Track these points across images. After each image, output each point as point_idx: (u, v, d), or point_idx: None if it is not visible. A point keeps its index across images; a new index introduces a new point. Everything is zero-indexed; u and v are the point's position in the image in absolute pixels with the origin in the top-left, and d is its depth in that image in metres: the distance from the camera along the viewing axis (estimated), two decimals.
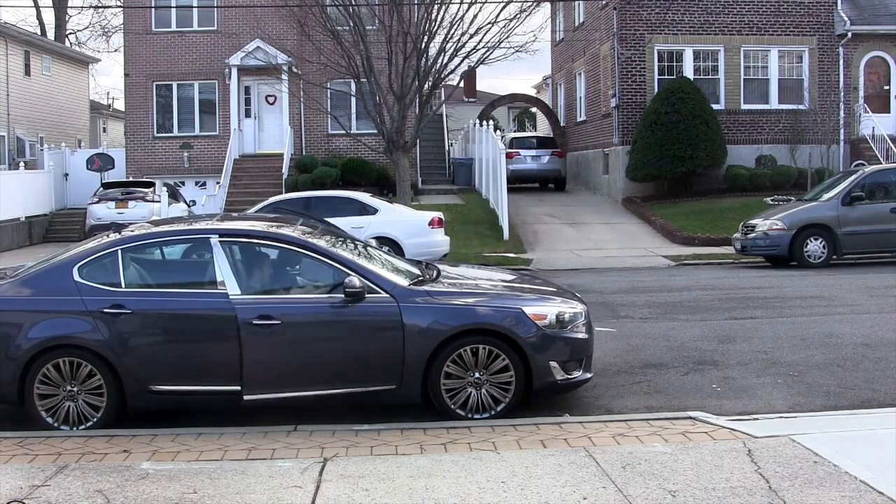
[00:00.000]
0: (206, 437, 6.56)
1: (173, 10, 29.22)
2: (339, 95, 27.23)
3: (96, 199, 24.04)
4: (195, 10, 29.21)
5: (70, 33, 46.84)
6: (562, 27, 34.42)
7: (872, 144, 25.97)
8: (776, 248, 17.08)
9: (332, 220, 16.60)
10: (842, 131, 26.26)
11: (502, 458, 5.88)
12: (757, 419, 6.76)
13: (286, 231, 7.55)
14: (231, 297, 6.99)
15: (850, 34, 26.60)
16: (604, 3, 28.03)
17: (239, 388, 6.96)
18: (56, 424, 6.90)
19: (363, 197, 17.93)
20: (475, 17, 22.35)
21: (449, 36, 22.31)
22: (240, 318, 6.90)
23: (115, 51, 50.63)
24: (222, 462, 5.94)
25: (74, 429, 6.88)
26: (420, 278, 7.62)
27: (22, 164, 30.38)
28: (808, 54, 26.77)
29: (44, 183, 28.99)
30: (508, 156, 27.07)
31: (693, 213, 23.50)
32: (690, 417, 6.76)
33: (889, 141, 25.43)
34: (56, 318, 7.00)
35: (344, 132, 26.14)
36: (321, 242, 7.47)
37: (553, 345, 7.19)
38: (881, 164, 23.38)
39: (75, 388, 6.93)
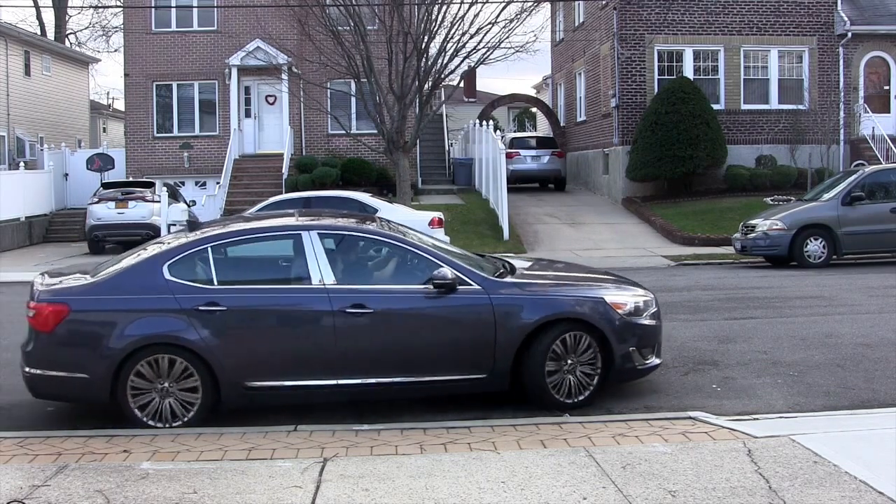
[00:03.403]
0: (206, 437, 6.55)
1: (173, 10, 29.21)
2: (339, 95, 27.23)
3: (96, 199, 24.04)
4: (195, 10, 29.20)
5: (70, 33, 46.85)
6: (562, 27, 34.42)
7: (872, 144, 25.97)
8: (776, 248, 17.08)
9: None
10: (842, 131, 26.25)
11: (502, 458, 5.88)
12: (757, 419, 6.76)
13: (375, 226, 7.91)
14: (326, 288, 7.13)
15: (850, 34, 26.60)
16: (604, 3, 28.03)
17: (334, 381, 7.12)
18: (149, 421, 6.92)
19: (363, 197, 17.91)
20: (476, 17, 22.36)
21: (449, 36, 22.33)
22: (335, 309, 7.04)
23: (115, 51, 50.60)
24: (222, 462, 5.94)
25: (167, 426, 6.90)
26: (501, 271, 7.85)
27: (22, 164, 30.39)
28: (808, 54, 26.77)
29: (44, 183, 28.99)
30: (508, 156, 27.07)
31: (693, 213, 23.50)
32: (690, 417, 6.77)
33: (889, 141, 25.43)
34: (150, 317, 7.00)
35: (344, 132, 26.14)
36: (411, 237, 7.79)
37: (632, 331, 7.52)
38: (881, 164, 23.39)
39: (169, 386, 6.95)
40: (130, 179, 27.14)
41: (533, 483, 5.39)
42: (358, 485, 5.42)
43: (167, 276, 7.10)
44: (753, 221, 17.77)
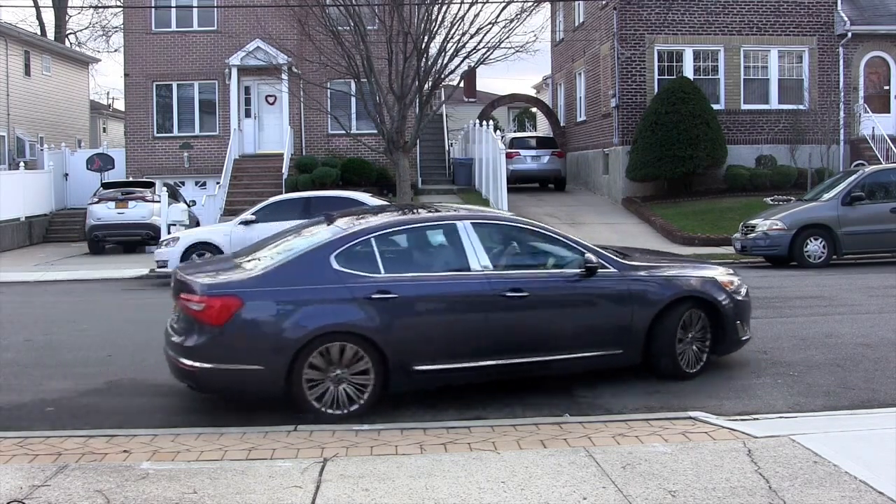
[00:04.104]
0: (206, 437, 6.55)
1: (173, 10, 29.20)
2: (339, 95, 27.21)
3: (96, 199, 24.05)
4: (195, 10, 29.19)
5: (70, 33, 46.84)
6: (562, 27, 34.41)
7: (872, 144, 25.97)
8: (776, 248, 17.08)
9: None
10: (842, 131, 26.25)
11: (502, 458, 5.88)
12: (757, 419, 6.76)
13: (522, 217, 8.56)
14: (486, 274, 7.59)
15: (850, 34, 26.60)
16: (604, 3, 28.03)
17: (492, 361, 7.53)
18: (328, 410, 7.06)
19: (363, 197, 17.93)
20: (476, 17, 22.30)
21: (449, 36, 22.29)
22: (494, 294, 7.49)
23: (115, 51, 50.61)
24: (222, 462, 5.94)
25: (345, 411, 7.07)
26: (623, 255, 8.55)
27: (22, 164, 30.39)
28: (808, 54, 26.77)
29: (44, 183, 29.00)
30: (508, 156, 27.06)
31: (693, 213, 23.50)
32: (690, 417, 6.77)
33: (889, 141, 25.43)
34: (324, 307, 7.17)
35: (344, 132, 26.12)
36: (547, 225, 8.47)
37: (737, 306, 8.46)
38: (881, 164, 23.39)
39: (341, 373, 7.13)
40: (130, 179, 27.14)
41: (533, 483, 5.39)
42: (358, 485, 5.42)
43: (335, 266, 7.32)
44: (753, 221, 17.77)
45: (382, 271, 7.39)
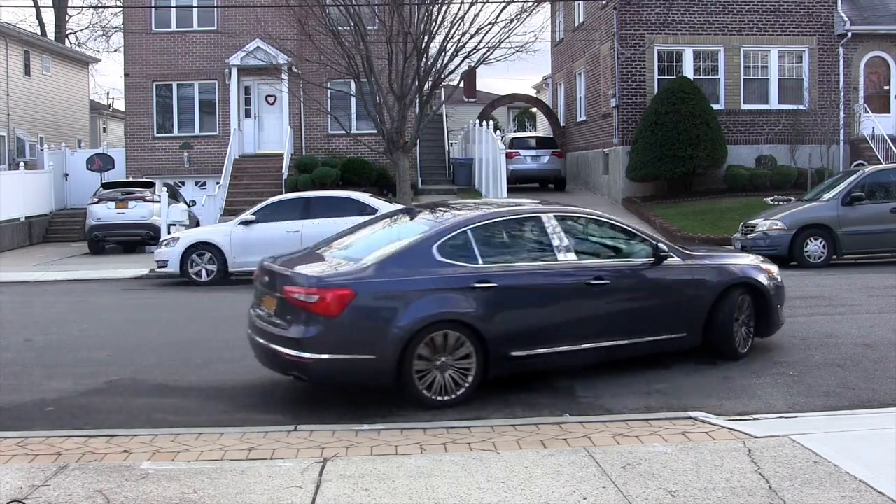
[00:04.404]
0: (206, 436, 6.55)
1: (173, 10, 29.20)
2: (339, 95, 27.21)
3: (96, 199, 24.06)
4: (195, 10, 29.19)
5: (70, 33, 46.83)
6: (562, 27, 34.41)
7: (872, 144, 25.97)
8: (776, 248, 17.06)
9: (332, 221, 16.84)
10: (842, 131, 26.24)
11: (502, 458, 5.88)
12: (757, 419, 6.76)
13: (597, 210, 9.16)
14: (572, 264, 8.09)
15: (850, 34, 26.59)
16: (604, 3, 28.03)
17: (577, 346, 8.02)
18: (433, 397, 7.35)
19: (363, 197, 17.93)
20: (476, 17, 22.31)
21: (449, 36, 22.29)
22: (580, 282, 7.97)
23: (115, 51, 50.58)
24: (222, 462, 5.94)
25: (451, 397, 7.39)
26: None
27: (22, 164, 30.39)
28: (808, 54, 26.77)
29: (44, 183, 29.01)
30: (508, 156, 27.05)
31: (693, 213, 23.49)
32: (690, 417, 6.77)
33: (889, 141, 25.43)
34: (431, 296, 7.43)
35: (344, 132, 26.12)
36: (616, 219, 9.00)
37: (778, 291, 9.33)
38: (881, 164, 23.38)
39: (446, 360, 7.40)
40: (130, 179, 27.15)
41: (533, 483, 5.39)
42: (358, 485, 5.42)
43: (438, 257, 7.61)
44: (753, 221, 17.77)
45: (480, 261, 7.74)
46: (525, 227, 8.41)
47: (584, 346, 8.04)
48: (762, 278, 9.09)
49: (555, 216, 8.33)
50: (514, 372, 7.90)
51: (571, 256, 8.12)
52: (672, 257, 8.56)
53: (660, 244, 8.61)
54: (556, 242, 8.13)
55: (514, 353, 7.67)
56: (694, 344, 8.72)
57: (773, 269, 9.48)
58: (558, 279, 7.97)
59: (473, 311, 7.45)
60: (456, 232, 7.81)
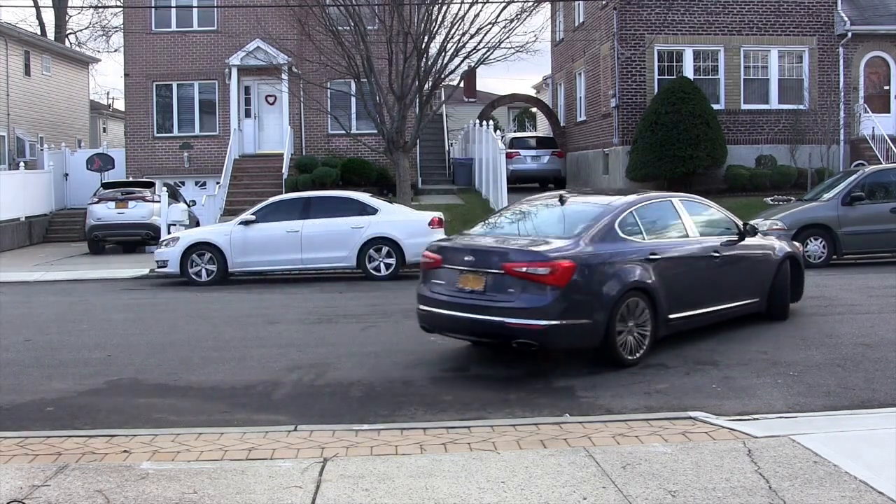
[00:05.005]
0: (206, 436, 6.55)
1: (173, 10, 29.19)
2: (339, 95, 27.21)
3: (96, 199, 24.03)
4: (195, 10, 29.18)
5: (70, 33, 46.83)
6: (562, 27, 34.40)
7: (872, 144, 25.96)
8: None
9: (332, 221, 16.86)
10: (842, 131, 26.23)
11: (502, 458, 5.88)
12: (757, 419, 6.75)
13: (703, 198, 10.99)
14: (699, 240, 9.70)
15: (850, 34, 26.58)
16: (604, 3, 28.02)
17: (704, 310, 9.57)
18: (626, 356, 8.55)
19: (363, 197, 17.92)
20: (476, 17, 22.33)
21: (449, 36, 22.31)
22: (706, 255, 9.58)
23: (115, 51, 50.63)
24: (222, 462, 5.94)
25: (635, 356, 8.64)
26: None
27: (22, 164, 30.38)
28: (808, 54, 26.76)
29: (44, 183, 29.01)
30: (508, 156, 27.04)
31: None
32: (690, 417, 6.76)
33: (889, 141, 25.42)
34: (627, 267, 8.63)
35: (344, 132, 26.12)
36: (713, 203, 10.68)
37: (802, 264, 11.40)
38: (881, 164, 23.37)
39: (632, 324, 8.63)
40: (130, 179, 27.12)
41: (533, 483, 5.39)
42: (358, 485, 5.42)
43: (620, 234, 8.87)
44: (753, 221, 17.69)
45: (646, 237, 9.08)
46: (664, 209, 9.76)
47: (710, 308, 9.60)
48: (797, 252, 11.13)
49: (679, 199, 9.96)
50: (670, 333, 9.16)
51: (696, 232, 9.68)
52: (752, 235, 10.28)
53: (745, 223, 10.27)
54: (686, 222, 9.65)
55: (671, 316, 8.97)
56: (761, 309, 10.47)
57: (799, 245, 11.77)
58: (696, 250, 9.49)
59: (650, 279, 8.68)
60: (626, 212, 9.10)
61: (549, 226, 9.18)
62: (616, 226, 8.83)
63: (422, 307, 9.06)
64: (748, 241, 10.24)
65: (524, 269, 8.15)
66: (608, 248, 8.56)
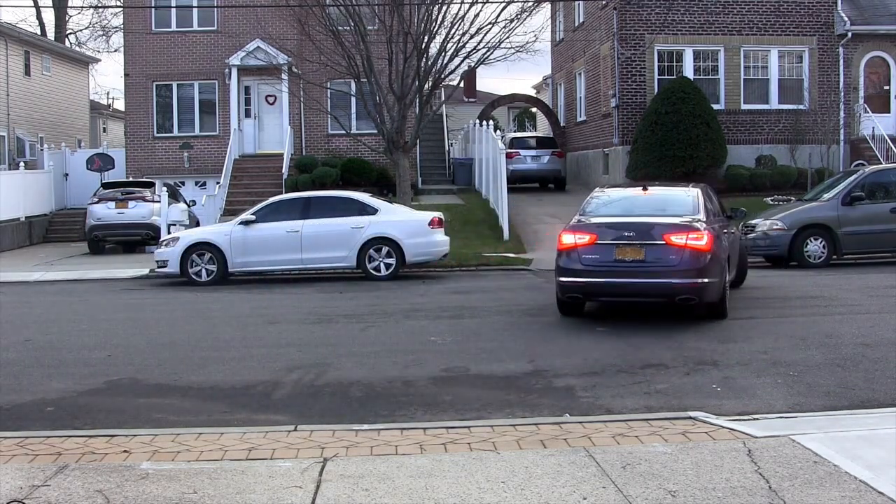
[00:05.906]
0: (206, 436, 6.55)
1: (173, 10, 29.19)
2: (339, 95, 27.20)
3: (96, 199, 24.03)
4: (195, 10, 29.18)
5: (70, 33, 46.81)
6: (562, 27, 34.40)
7: (872, 144, 25.96)
8: (776, 248, 17.06)
9: (332, 221, 16.86)
10: (842, 131, 26.24)
11: (502, 458, 5.88)
12: (757, 419, 6.75)
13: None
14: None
15: (850, 34, 26.59)
16: (604, 3, 28.03)
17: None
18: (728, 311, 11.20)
19: (363, 197, 17.92)
20: (476, 17, 22.32)
21: (449, 36, 22.30)
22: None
23: (115, 51, 50.42)
24: (222, 462, 5.94)
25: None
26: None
27: (22, 164, 30.36)
28: (808, 54, 26.77)
29: (44, 183, 29.00)
30: (508, 156, 27.01)
31: None
32: (690, 417, 6.76)
33: (889, 141, 25.42)
34: (724, 239, 11.54)
35: (344, 132, 26.12)
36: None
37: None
38: (881, 164, 23.37)
39: (727, 282, 11.19)
40: (130, 179, 27.12)
41: (533, 483, 5.39)
42: (358, 485, 5.42)
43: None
44: (753, 221, 17.74)
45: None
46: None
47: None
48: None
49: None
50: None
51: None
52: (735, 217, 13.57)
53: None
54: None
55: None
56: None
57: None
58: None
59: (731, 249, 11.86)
60: (704, 197, 11.79)
61: (666, 208, 11.20)
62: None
63: (570, 279, 10.75)
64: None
65: (684, 240, 10.28)
66: (715, 224, 10.99)
